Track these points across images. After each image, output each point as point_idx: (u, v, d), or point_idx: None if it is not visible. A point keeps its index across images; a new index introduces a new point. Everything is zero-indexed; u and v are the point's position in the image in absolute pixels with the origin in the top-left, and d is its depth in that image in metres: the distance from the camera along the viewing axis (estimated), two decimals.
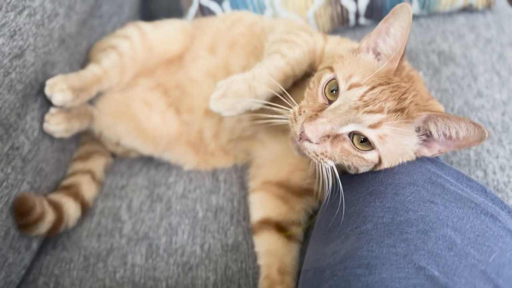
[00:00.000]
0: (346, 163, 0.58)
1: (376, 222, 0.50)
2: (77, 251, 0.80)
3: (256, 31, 0.83)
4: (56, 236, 0.82)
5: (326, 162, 0.57)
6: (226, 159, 0.87)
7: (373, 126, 0.54)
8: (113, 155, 0.95)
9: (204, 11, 1.08)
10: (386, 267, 0.44)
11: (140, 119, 0.87)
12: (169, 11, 1.23)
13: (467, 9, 1.05)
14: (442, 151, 0.58)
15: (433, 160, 0.60)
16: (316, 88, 0.60)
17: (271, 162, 0.80)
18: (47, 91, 0.76)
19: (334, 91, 0.59)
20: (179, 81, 0.87)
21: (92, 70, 0.83)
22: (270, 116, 0.64)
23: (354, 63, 0.59)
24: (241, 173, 0.87)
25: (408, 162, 0.58)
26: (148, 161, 0.92)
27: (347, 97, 0.56)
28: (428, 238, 0.46)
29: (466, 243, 0.46)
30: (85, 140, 0.92)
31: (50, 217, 0.76)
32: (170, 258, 0.76)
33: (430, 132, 0.56)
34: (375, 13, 1.04)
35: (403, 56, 0.58)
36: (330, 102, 0.58)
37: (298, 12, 1.04)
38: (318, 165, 0.59)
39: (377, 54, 0.60)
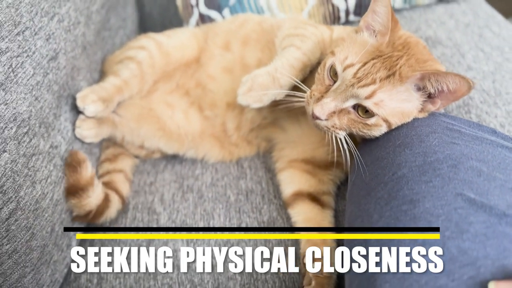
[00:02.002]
0: (354, 130, 0.66)
1: (410, 166, 0.56)
2: (116, 246, 0.82)
3: (266, 28, 0.91)
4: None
5: (338, 133, 0.66)
6: (249, 148, 0.92)
7: (368, 97, 0.62)
8: (136, 157, 0.98)
9: (204, 19, 1.14)
10: (428, 199, 0.50)
11: (163, 120, 0.91)
12: (168, 24, 1.29)
13: (444, 0, 1.17)
14: (444, 105, 0.66)
15: (445, 114, 0.68)
16: (322, 72, 0.69)
17: (294, 143, 0.86)
18: (80, 103, 0.80)
19: (337, 74, 0.67)
20: (198, 79, 0.92)
21: (112, 81, 0.87)
22: (293, 99, 0.72)
23: (352, 44, 0.67)
24: (263, 158, 0.92)
25: (424, 118, 0.66)
26: (172, 158, 0.96)
27: (344, 77, 0.64)
28: (458, 170, 0.53)
29: (491, 169, 0.53)
30: (108, 144, 0.95)
31: (98, 190, 0.80)
32: (211, 240, 0.79)
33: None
34: (363, 9, 1.14)
35: (395, 28, 0.66)
36: (335, 83, 0.67)
37: (294, 13, 1.12)
38: (332, 136, 0.67)
39: (373, 32, 0.68)
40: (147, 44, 0.92)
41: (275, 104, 0.82)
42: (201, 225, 0.82)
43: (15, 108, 0.65)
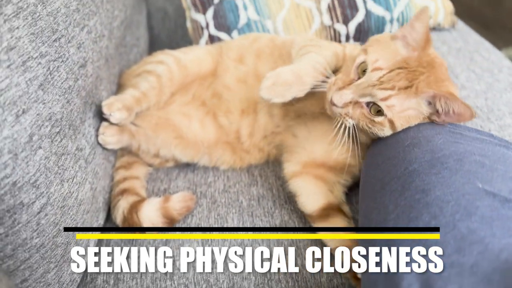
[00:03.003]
0: (361, 124, 0.73)
1: (420, 161, 0.62)
2: (129, 245, 0.84)
3: (278, 43, 0.98)
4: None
5: (347, 120, 0.74)
6: (260, 155, 0.97)
7: (383, 99, 0.70)
8: (150, 166, 1.02)
9: (214, 40, 1.21)
10: (438, 188, 0.56)
11: (180, 128, 0.96)
12: (175, 46, 1.36)
13: (436, 28, 1.26)
14: (446, 121, 0.72)
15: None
16: (351, 66, 0.76)
17: (305, 148, 0.89)
18: (106, 110, 0.86)
19: (365, 71, 0.73)
20: (214, 90, 0.98)
21: (131, 93, 0.92)
22: (316, 85, 0.80)
23: (385, 49, 0.74)
24: (273, 167, 0.97)
25: (429, 123, 0.72)
26: (184, 167, 1.00)
27: (370, 77, 0.72)
28: (463, 163, 0.59)
29: (493, 162, 0.59)
30: (123, 153, 0.99)
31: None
32: (225, 242, 0.83)
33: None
34: (363, 35, 1.22)
35: (426, 46, 0.73)
36: (359, 78, 0.74)
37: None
38: (341, 123, 0.75)
39: (406, 43, 0.74)
40: (166, 59, 0.98)
41: (286, 112, 0.88)
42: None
43: (50, 108, 0.69)
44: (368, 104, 0.72)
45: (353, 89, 0.73)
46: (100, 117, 0.89)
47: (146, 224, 0.85)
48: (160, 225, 0.85)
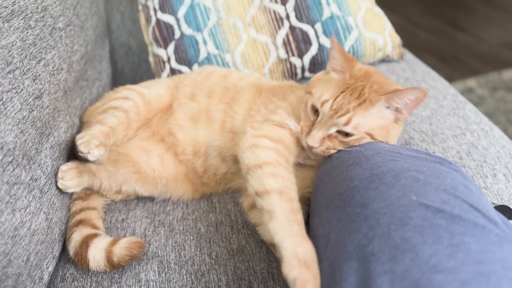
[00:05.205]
0: (343, 147, 0.79)
1: (360, 178, 0.65)
2: (88, 279, 0.83)
3: (229, 85, 1.01)
4: (63, 270, 0.86)
5: (330, 151, 0.79)
6: (219, 188, 0.99)
7: (346, 124, 0.76)
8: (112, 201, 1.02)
9: (175, 73, 1.25)
10: (376, 202, 0.59)
11: (139, 164, 0.98)
12: (138, 80, 1.39)
13: (385, 60, 1.34)
14: (409, 112, 0.79)
15: (387, 143, 0.79)
16: (306, 110, 0.82)
17: None
18: (84, 148, 0.87)
19: (317, 110, 0.80)
20: (169, 127, 1.00)
21: (98, 129, 0.93)
22: None
23: (324, 83, 0.82)
24: (232, 193, 0.99)
25: (369, 143, 0.77)
26: (143, 197, 1.01)
27: (323, 111, 0.78)
28: (399, 178, 0.63)
29: (427, 177, 0.63)
30: None
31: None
32: (182, 269, 0.83)
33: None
34: (317, 67, 1.29)
35: (351, 65, 0.81)
36: (318, 117, 0.80)
37: (256, 69, 1.25)
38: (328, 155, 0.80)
39: (336, 72, 0.83)
40: (131, 95, 1.01)
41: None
42: (172, 256, 0.86)
43: (2, 138, 0.70)
44: (338, 131, 0.78)
45: (318, 127, 0.78)
46: (59, 148, 0.90)
47: (92, 264, 0.83)
48: (103, 268, 0.82)
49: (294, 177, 0.76)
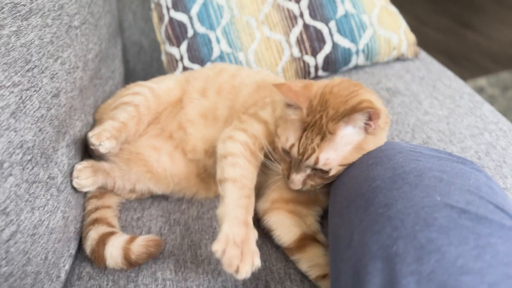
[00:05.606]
0: (327, 181, 0.78)
1: (383, 178, 0.64)
2: (104, 278, 0.83)
3: (236, 84, 1.01)
4: (79, 268, 0.86)
5: (316, 188, 0.80)
6: None
7: (316, 163, 0.75)
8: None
9: None
10: (399, 202, 0.59)
11: (151, 163, 0.97)
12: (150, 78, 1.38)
13: (400, 58, 1.33)
14: (376, 123, 0.74)
15: (408, 143, 0.78)
16: (280, 154, 0.80)
17: (275, 185, 0.89)
18: (95, 140, 0.86)
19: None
20: (180, 122, 0.99)
21: (110, 124, 0.92)
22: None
23: (286, 124, 0.78)
24: None
25: (390, 143, 0.76)
26: (158, 196, 1.01)
27: (292, 155, 0.77)
28: (423, 179, 0.62)
29: (451, 177, 0.62)
30: None
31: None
32: (199, 268, 0.83)
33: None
34: (330, 65, 1.28)
35: (303, 95, 0.76)
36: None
37: (270, 67, 1.24)
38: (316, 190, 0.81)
39: (293, 108, 0.78)
40: (141, 90, 1.00)
41: None
42: (188, 255, 0.85)
43: (22, 136, 0.70)
44: (314, 169, 0.77)
45: (294, 170, 0.78)
46: (75, 146, 0.90)
47: (109, 261, 0.83)
48: (120, 266, 0.82)
49: (255, 170, 0.82)
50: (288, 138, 0.76)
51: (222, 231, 0.70)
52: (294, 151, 0.76)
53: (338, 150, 0.74)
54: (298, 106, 0.76)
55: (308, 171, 0.77)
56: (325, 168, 0.74)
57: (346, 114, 0.71)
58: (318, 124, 0.74)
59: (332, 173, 0.75)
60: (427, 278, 0.49)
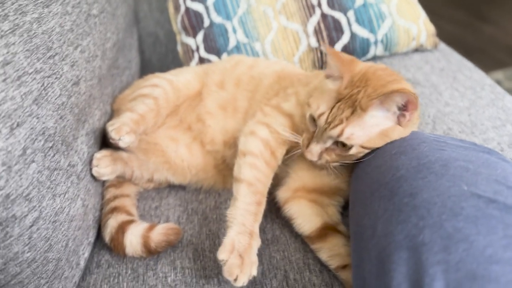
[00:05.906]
0: (342, 160, 0.77)
1: (407, 168, 0.63)
2: (123, 266, 0.84)
3: (255, 74, 1.00)
4: (98, 256, 0.86)
5: (331, 165, 0.78)
6: None
7: (339, 135, 0.73)
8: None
9: (204, 62, 1.24)
10: (425, 191, 0.58)
11: (168, 153, 0.98)
12: (166, 70, 1.38)
13: (419, 49, 1.31)
14: (412, 113, 0.73)
15: (431, 133, 0.77)
16: (306, 122, 0.79)
17: (296, 174, 0.90)
18: (115, 135, 0.86)
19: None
20: (199, 114, 0.99)
21: (129, 116, 0.92)
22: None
23: (321, 93, 0.78)
24: None
25: (414, 132, 0.75)
26: (175, 185, 1.01)
27: (319, 124, 0.76)
28: (448, 168, 0.60)
29: (477, 166, 0.61)
30: None
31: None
32: None
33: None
34: None
35: (349, 68, 0.76)
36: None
37: (286, 58, 1.23)
38: (331, 167, 0.79)
39: (334, 78, 0.78)
40: (160, 82, 1.00)
41: None
42: (207, 244, 0.85)
43: (44, 123, 0.70)
44: (335, 143, 0.75)
45: (315, 140, 0.76)
46: (94, 135, 0.90)
47: (128, 249, 0.83)
48: (139, 254, 0.83)
49: (272, 172, 0.83)
50: (320, 106, 0.76)
51: (228, 237, 0.73)
52: (322, 119, 0.74)
53: (365, 129, 0.73)
54: (339, 75, 0.76)
55: (329, 143, 0.75)
56: (348, 142, 0.73)
57: (384, 93, 0.70)
58: (353, 98, 0.73)
59: (352, 151, 0.74)
60: (455, 268, 0.48)
